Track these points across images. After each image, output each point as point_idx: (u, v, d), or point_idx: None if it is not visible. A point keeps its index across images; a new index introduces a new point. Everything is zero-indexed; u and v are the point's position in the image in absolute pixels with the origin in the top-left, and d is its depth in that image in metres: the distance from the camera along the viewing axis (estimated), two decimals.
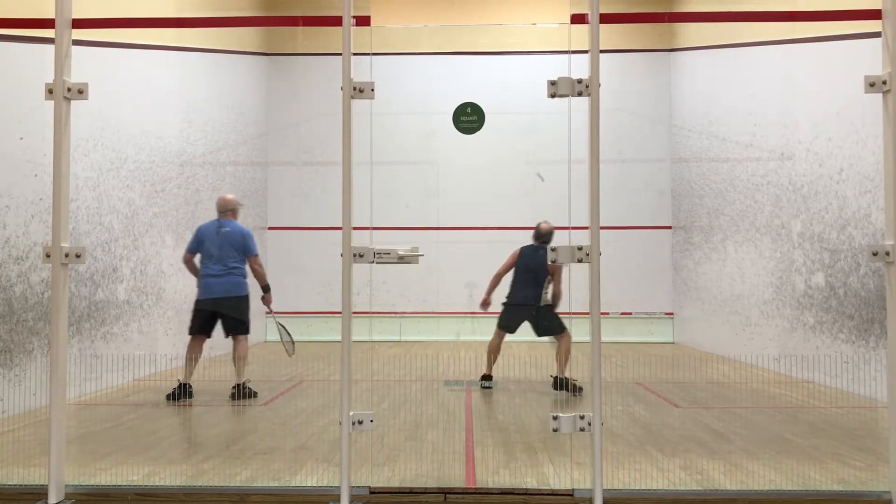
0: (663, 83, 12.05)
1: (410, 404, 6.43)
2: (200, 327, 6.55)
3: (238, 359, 6.48)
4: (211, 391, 6.82)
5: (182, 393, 6.25)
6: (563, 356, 6.93)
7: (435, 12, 12.05)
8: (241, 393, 6.37)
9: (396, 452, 4.49)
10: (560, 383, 6.81)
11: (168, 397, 6.26)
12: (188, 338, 6.65)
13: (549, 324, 7.13)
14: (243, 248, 6.57)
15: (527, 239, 7.51)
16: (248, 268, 6.64)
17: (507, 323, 7.33)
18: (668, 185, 12.06)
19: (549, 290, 7.21)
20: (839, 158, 7.11)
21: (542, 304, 7.14)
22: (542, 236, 7.25)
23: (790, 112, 8.15)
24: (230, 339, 6.62)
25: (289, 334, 7.07)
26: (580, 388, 6.69)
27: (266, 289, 6.71)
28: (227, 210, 6.73)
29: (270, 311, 6.88)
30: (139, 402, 6.29)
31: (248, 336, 6.63)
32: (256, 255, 6.64)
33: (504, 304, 7.35)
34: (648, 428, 5.29)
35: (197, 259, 6.73)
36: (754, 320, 9.02)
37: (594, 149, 3.36)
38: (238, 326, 6.54)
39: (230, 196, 6.90)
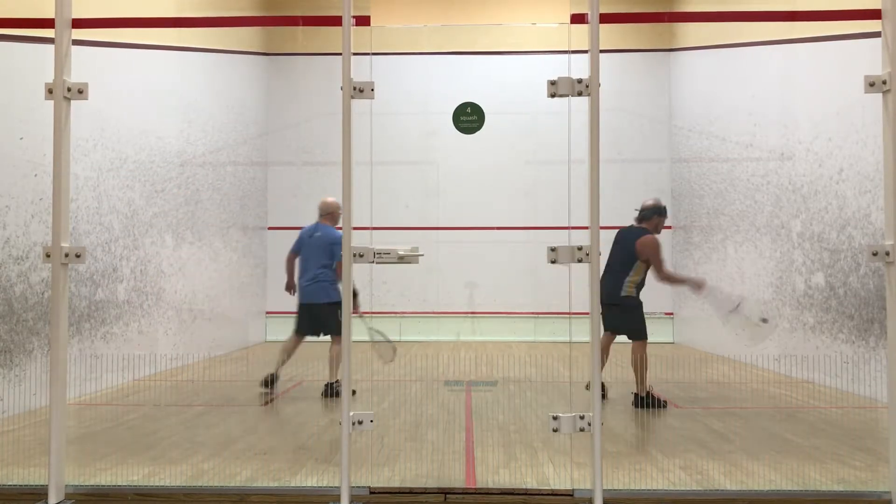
0: (663, 83, 12.05)
1: (410, 404, 6.43)
2: (299, 327, 6.83)
3: (332, 359, 6.60)
4: (211, 391, 6.83)
5: (272, 382, 6.52)
6: (639, 367, 6.07)
7: (435, 12, 12.05)
8: (332, 391, 6.50)
9: (396, 452, 4.49)
10: (641, 400, 5.97)
11: (262, 384, 6.54)
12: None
13: (622, 321, 6.23)
14: (331, 255, 6.59)
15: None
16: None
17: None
18: (668, 185, 12.06)
19: (633, 279, 6.21)
20: (839, 158, 7.11)
21: (622, 294, 6.20)
22: (640, 212, 6.25)
23: (790, 112, 8.15)
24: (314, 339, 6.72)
25: (385, 337, 6.62)
26: (664, 403, 6.00)
27: (354, 294, 6.20)
28: (325, 214, 6.77)
29: (359, 314, 6.49)
30: (139, 402, 6.30)
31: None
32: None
33: None
34: (648, 428, 5.29)
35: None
36: (754, 320, 9.02)
37: (594, 149, 3.36)
38: (329, 330, 6.58)
39: (330, 199, 6.84)
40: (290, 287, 6.93)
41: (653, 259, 6.12)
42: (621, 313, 6.21)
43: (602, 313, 6.02)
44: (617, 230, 6.37)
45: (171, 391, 6.91)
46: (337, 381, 6.55)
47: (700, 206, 10.86)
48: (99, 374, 6.57)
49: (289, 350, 6.76)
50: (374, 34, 3.90)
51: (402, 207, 11.60)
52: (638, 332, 6.22)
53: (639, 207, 6.37)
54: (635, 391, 6.14)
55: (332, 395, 6.47)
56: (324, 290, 6.65)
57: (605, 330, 6.28)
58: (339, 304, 5.91)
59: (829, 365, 7.09)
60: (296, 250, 6.84)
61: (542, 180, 11.39)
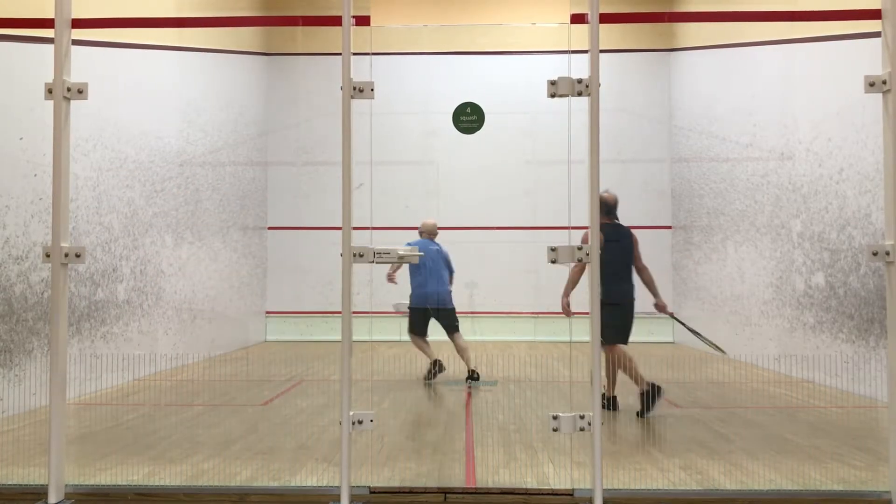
0: (663, 83, 12.05)
1: (410, 404, 6.43)
2: (421, 327, 7.70)
3: (462, 350, 7.55)
4: (211, 391, 6.83)
5: (436, 370, 7.47)
6: (609, 371, 5.96)
7: (435, 12, 12.05)
8: (474, 376, 7.38)
9: (396, 452, 4.48)
10: (645, 396, 5.72)
11: (426, 377, 7.43)
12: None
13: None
14: (448, 265, 7.88)
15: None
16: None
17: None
18: (668, 185, 12.06)
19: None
20: (839, 158, 7.11)
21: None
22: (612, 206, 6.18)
23: (790, 112, 8.15)
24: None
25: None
26: (659, 389, 5.71)
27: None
28: (434, 233, 7.98)
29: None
30: (139, 402, 6.30)
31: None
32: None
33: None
34: (648, 428, 5.29)
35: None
36: (754, 320, 9.02)
37: (594, 149, 3.36)
38: (453, 327, 7.62)
39: (432, 221, 8.11)
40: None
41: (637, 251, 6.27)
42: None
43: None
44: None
45: (171, 391, 6.92)
46: (474, 369, 7.49)
47: (700, 206, 10.86)
48: (99, 374, 6.57)
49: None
50: (374, 34, 3.90)
51: (402, 207, 11.60)
52: (610, 338, 5.86)
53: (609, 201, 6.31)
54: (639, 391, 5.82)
55: (474, 379, 7.38)
56: (450, 295, 7.81)
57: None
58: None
59: (829, 365, 7.09)
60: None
61: (542, 180, 11.39)
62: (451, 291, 7.76)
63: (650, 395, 5.70)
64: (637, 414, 5.67)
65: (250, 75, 11.56)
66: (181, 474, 4.01)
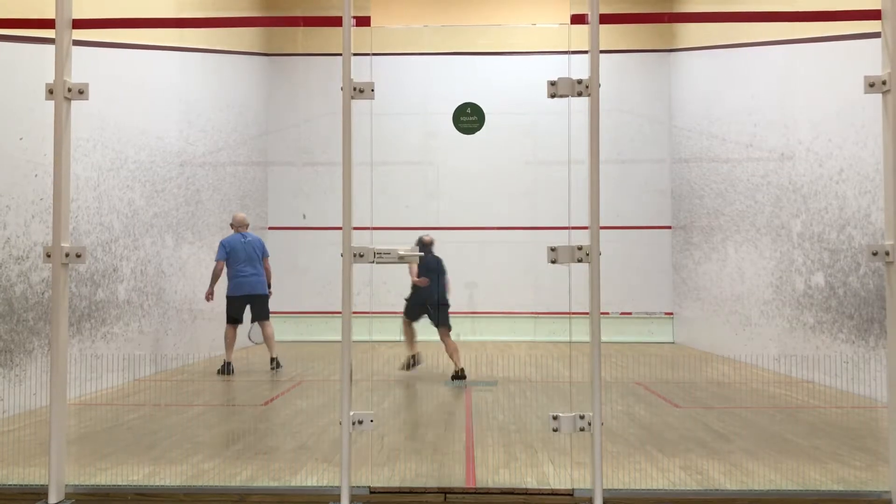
0: (663, 83, 12.05)
1: (410, 404, 6.43)
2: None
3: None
4: (211, 391, 6.83)
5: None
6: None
7: (435, 12, 12.05)
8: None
9: (396, 452, 4.49)
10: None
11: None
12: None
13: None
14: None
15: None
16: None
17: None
18: (668, 185, 12.06)
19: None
20: (839, 158, 7.11)
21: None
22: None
23: (790, 112, 8.16)
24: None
25: None
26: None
27: None
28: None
29: None
30: (139, 402, 6.30)
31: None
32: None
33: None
34: (648, 428, 5.30)
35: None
36: (754, 320, 9.03)
37: (594, 149, 3.36)
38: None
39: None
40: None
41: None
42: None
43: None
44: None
45: (172, 391, 6.92)
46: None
47: (700, 206, 10.86)
48: (99, 374, 6.58)
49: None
50: (375, 34, 3.90)
51: (402, 207, 11.61)
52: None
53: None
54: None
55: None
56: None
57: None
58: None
59: (829, 365, 7.09)
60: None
61: (542, 180, 11.40)
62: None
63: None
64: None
65: (250, 75, 11.56)
66: (181, 474, 4.01)
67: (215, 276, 8.11)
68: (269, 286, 8.52)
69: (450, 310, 8.10)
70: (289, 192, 12.23)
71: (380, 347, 9.95)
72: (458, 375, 7.54)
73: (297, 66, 12.09)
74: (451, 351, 7.73)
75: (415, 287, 8.00)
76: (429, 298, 7.95)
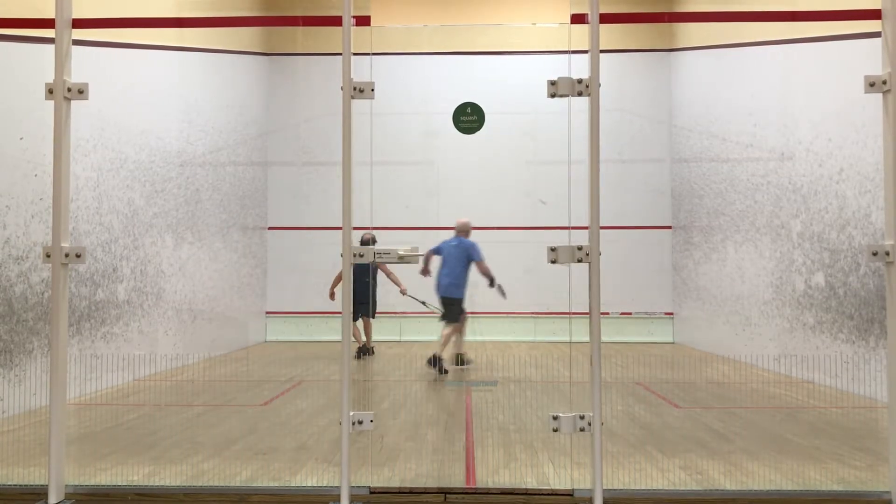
0: (663, 83, 12.05)
1: (410, 404, 6.43)
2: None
3: (445, 337, 8.24)
4: (211, 391, 6.83)
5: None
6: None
7: (435, 12, 12.05)
8: (436, 362, 8.11)
9: (396, 452, 4.48)
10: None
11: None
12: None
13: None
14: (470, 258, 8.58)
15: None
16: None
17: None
18: (668, 185, 12.06)
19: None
20: (839, 158, 7.11)
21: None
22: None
23: (790, 112, 8.15)
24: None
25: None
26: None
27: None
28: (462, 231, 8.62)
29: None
30: (139, 402, 6.30)
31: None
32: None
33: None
34: (648, 428, 5.29)
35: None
36: (754, 320, 9.02)
37: (594, 149, 3.36)
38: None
39: (464, 219, 8.73)
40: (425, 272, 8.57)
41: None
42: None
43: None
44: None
45: (171, 391, 6.92)
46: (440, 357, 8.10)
47: (700, 206, 10.86)
48: (99, 374, 6.58)
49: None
50: (374, 34, 3.90)
51: (402, 207, 11.60)
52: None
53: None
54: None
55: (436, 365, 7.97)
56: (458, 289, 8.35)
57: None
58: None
59: (829, 365, 7.09)
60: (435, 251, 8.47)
61: (542, 180, 11.39)
62: (455, 284, 8.27)
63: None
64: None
65: (250, 75, 11.56)
66: (181, 474, 4.01)
67: (424, 260, 8.51)
68: (493, 282, 8.43)
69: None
70: (289, 192, 12.23)
71: (380, 347, 9.95)
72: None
73: (297, 66, 12.09)
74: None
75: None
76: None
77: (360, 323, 9.38)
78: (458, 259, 8.26)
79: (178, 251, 8.70)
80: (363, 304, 8.97)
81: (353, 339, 8.62)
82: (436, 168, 11.90)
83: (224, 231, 10.28)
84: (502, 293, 8.33)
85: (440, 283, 8.32)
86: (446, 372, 7.92)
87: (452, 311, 8.18)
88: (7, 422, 5.32)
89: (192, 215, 9.16)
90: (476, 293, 8.29)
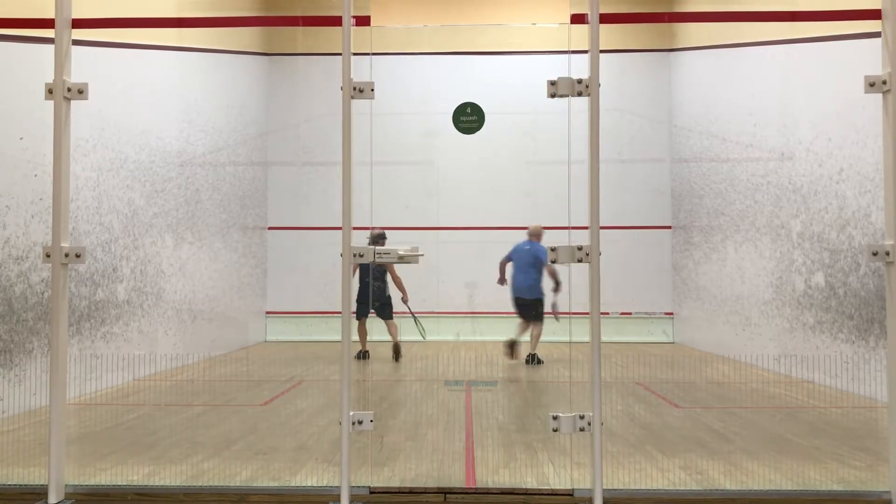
0: (663, 83, 12.05)
1: (410, 404, 6.43)
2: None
3: (533, 337, 8.72)
4: (211, 391, 6.83)
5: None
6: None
7: (435, 12, 12.05)
8: (535, 359, 8.61)
9: (396, 452, 4.49)
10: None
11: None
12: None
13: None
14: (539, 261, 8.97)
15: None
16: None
17: None
18: (668, 185, 12.06)
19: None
20: (839, 158, 7.11)
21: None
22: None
23: (790, 112, 8.15)
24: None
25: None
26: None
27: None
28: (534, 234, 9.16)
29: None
30: (139, 402, 6.30)
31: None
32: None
33: None
34: (648, 428, 5.29)
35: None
36: (754, 320, 9.02)
37: (594, 149, 3.36)
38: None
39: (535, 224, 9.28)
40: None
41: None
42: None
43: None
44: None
45: (171, 391, 6.92)
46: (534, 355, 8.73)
47: (700, 206, 10.86)
48: (99, 374, 6.58)
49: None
50: (374, 34, 3.90)
51: (403, 207, 11.60)
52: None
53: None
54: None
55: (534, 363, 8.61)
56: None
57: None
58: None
59: (829, 365, 7.09)
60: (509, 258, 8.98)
61: (542, 180, 11.39)
62: (530, 286, 8.78)
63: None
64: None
65: (250, 75, 11.56)
66: (181, 474, 4.01)
67: (500, 269, 9.10)
68: (558, 286, 8.75)
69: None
70: (289, 191, 12.23)
71: (380, 347, 9.95)
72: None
73: (297, 66, 12.09)
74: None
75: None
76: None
77: (364, 324, 9.28)
78: (531, 262, 8.67)
79: (178, 251, 8.70)
80: (383, 304, 8.99)
81: (358, 340, 8.67)
82: (436, 168, 11.90)
83: (224, 231, 10.28)
84: (556, 314, 8.70)
85: (516, 286, 8.75)
86: (541, 361, 8.62)
87: (535, 311, 8.73)
88: (7, 422, 5.32)
89: (192, 215, 9.16)
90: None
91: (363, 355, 9.05)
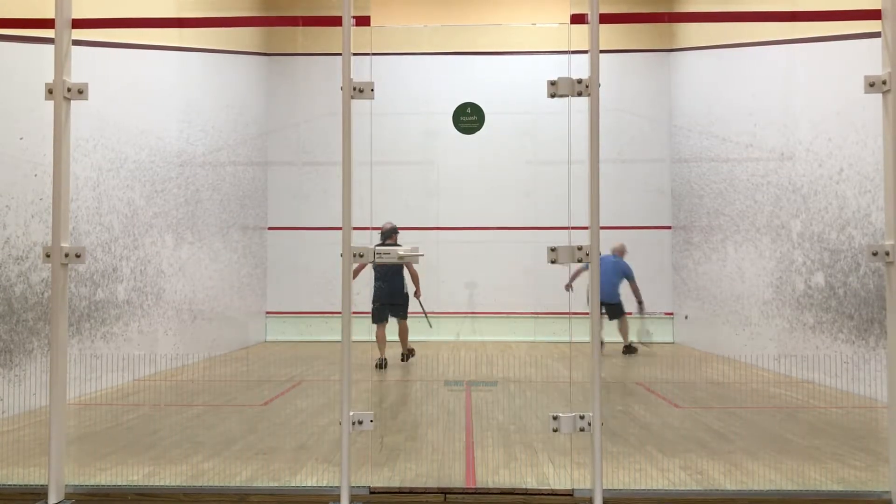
0: (663, 83, 12.05)
1: (410, 404, 6.43)
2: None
3: (621, 330, 9.98)
4: (211, 391, 6.83)
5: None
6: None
7: (435, 12, 12.05)
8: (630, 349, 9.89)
9: (396, 452, 4.49)
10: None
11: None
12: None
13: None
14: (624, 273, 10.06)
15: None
16: None
17: None
18: (668, 185, 12.06)
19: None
20: (839, 158, 7.11)
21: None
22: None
23: (790, 112, 8.15)
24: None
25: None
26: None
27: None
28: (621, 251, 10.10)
29: None
30: (139, 402, 6.30)
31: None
32: None
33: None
34: (648, 428, 5.29)
35: None
36: (754, 320, 9.02)
37: (594, 149, 3.36)
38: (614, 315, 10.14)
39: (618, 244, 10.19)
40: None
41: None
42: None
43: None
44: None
45: (171, 391, 6.92)
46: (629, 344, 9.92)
47: (700, 206, 10.86)
48: (99, 374, 6.57)
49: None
50: (374, 34, 3.90)
51: (403, 207, 11.60)
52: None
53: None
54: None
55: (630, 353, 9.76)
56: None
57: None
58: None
59: (829, 365, 7.09)
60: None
61: (542, 180, 11.39)
62: (610, 293, 9.73)
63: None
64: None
65: (250, 75, 11.56)
66: (181, 474, 4.01)
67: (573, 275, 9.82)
68: (640, 305, 9.97)
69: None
70: (289, 192, 12.23)
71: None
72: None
73: (297, 66, 12.08)
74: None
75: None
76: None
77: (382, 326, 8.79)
78: (614, 273, 9.74)
79: (178, 251, 8.70)
80: (397, 305, 8.56)
81: (376, 343, 8.48)
82: (436, 168, 11.90)
83: (224, 231, 10.28)
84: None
85: (602, 290, 9.68)
86: (635, 350, 9.79)
87: (617, 309, 9.81)
88: (7, 422, 5.32)
89: (192, 215, 9.16)
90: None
91: (382, 364, 8.38)
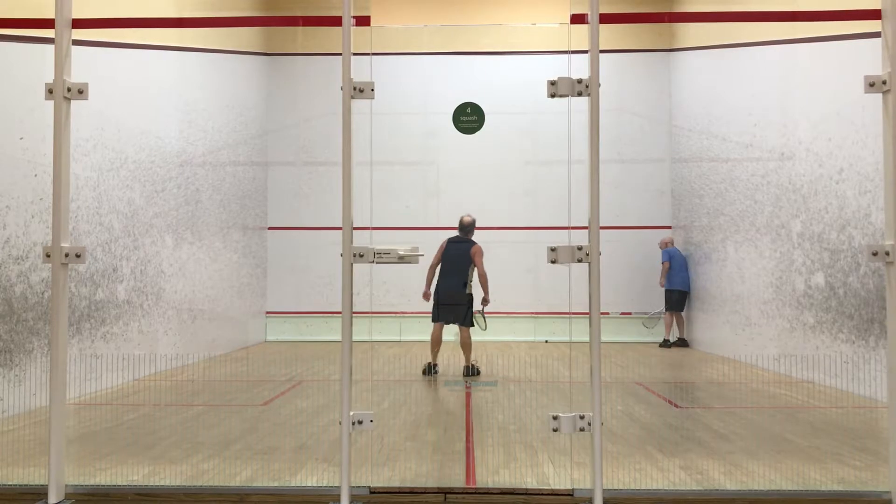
0: (663, 83, 12.05)
1: (410, 404, 6.43)
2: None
3: (678, 323, 11.45)
4: (211, 391, 6.83)
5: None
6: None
7: (435, 12, 12.06)
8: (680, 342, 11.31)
9: (396, 452, 4.49)
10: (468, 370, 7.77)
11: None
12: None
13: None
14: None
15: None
16: None
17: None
18: (668, 185, 12.06)
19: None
20: (839, 158, 7.11)
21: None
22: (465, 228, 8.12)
23: (790, 112, 8.16)
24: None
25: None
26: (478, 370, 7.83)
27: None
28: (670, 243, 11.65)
29: None
30: (139, 402, 6.30)
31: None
32: None
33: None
34: (648, 428, 5.29)
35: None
36: (754, 320, 9.03)
37: (594, 149, 3.36)
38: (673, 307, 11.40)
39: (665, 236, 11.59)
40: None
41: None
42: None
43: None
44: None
45: (171, 391, 6.92)
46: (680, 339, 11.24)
47: (700, 206, 10.86)
48: (99, 374, 6.58)
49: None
50: (374, 34, 3.90)
51: (402, 207, 11.61)
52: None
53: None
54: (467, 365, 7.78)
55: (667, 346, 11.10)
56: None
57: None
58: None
59: (829, 365, 7.09)
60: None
61: (542, 180, 11.40)
62: (684, 283, 11.23)
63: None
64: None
65: (250, 75, 11.56)
66: (181, 474, 4.01)
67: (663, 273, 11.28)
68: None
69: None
70: (289, 191, 12.23)
71: (380, 347, 9.95)
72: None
73: (297, 66, 12.09)
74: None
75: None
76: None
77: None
78: (685, 264, 11.14)
79: (178, 251, 8.70)
80: (456, 306, 7.69)
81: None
82: (436, 168, 11.91)
83: (224, 231, 10.28)
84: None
85: (677, 281, 11.09)
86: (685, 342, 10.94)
87: (680, 301, 11.11)
88: (7, 422, 5.32)
89: (192, 215, 9.16)
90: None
91: (432, 370, 7.66)
